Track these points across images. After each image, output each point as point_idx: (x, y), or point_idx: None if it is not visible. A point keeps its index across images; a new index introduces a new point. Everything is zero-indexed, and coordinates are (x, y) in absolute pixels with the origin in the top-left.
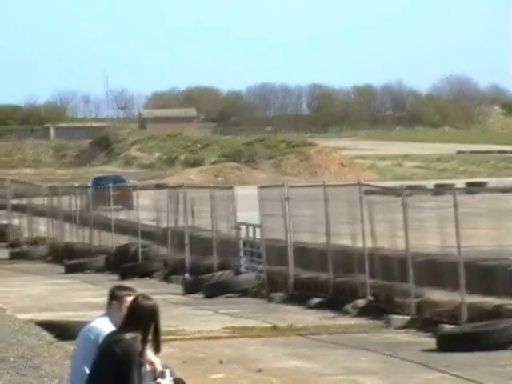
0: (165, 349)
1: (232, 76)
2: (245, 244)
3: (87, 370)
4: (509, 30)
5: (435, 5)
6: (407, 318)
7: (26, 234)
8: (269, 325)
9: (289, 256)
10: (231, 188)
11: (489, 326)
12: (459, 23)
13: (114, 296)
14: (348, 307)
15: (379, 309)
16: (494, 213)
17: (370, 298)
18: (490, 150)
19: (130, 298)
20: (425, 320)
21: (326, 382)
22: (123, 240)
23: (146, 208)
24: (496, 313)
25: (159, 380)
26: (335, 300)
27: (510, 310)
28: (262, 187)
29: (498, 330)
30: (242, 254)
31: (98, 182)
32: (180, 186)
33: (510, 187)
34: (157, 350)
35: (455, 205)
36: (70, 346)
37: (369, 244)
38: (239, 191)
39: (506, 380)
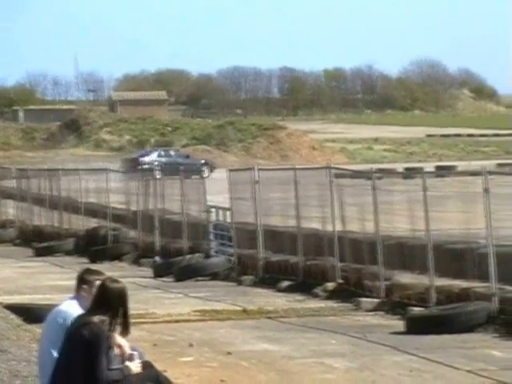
0: (134, 332)
1: (202, 59)
2: (215, 227)
3: (55, 353)
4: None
5: None
6: (377, 300)
7: None
8: (239, 308)
9: (259, 239)
10: (202, 170)
11: (457, 308)
12: (429, 6)
13: (83, 279)
14: (318, 290)
15: (349, 292)
16: (462, 196)
17: (340, 280)
18: (459, 133)
19: (97, 281)
20: (394, 303)
21: (295, 365)
22: (93, 223)
23: (116, 191)
24: (464, 295)
25: (127, 363)
26: (305, 283)
27: (479, 293)
28: (232, 170)
29: (467, 312)
30: (212, 237)
31: None
32: (150, 169)
33: (478, 170)
34: (125, 333)
35: (424, 188)
36: (38, 329)
37: (339, 227)
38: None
39: (475, 362)
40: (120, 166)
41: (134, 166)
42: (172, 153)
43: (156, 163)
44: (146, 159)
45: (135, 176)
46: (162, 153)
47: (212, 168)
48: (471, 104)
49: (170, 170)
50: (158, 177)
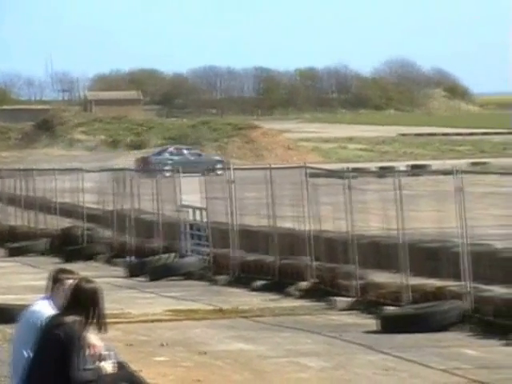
0: (109, 332)
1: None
2: (191, 227)
3: (28, 354)
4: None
5: None
6: (351, 299)
7: None
8: (213, 307)
9: (234, 239)
10: (175, 170)
11: (432, 307)
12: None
13: (57, 279)
14: (292, 289)
15: (323, 291)
16: (436, 195)
17: (315, 280)
18: (433, 132)
19: (71, 281)
20: (368, 302)
21: (270, 365)
22: (68, 223)
23: (91, 191)
24: (439, 294)
25: (102, 363)
26: (280, 282)
27: (453, 292)
28: (206, 169)
29: (441, 311)
30: (186, 236)
31: None
32: (124, 169)
33: (452, 169)
34: (101, 333)
35: (399, 187)
36: (9, 330)
37: (313, 226)
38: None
39: (449, 361)
40: (133, 165)
41: (146, 165)
42: (185, 151)
43: (169, 162)
44: (159, 158)
45: (149, 175)
46: (174, 151)
47: (227, 165)
48: (445, 103)
49: (183, 168)
50: (167, 174)
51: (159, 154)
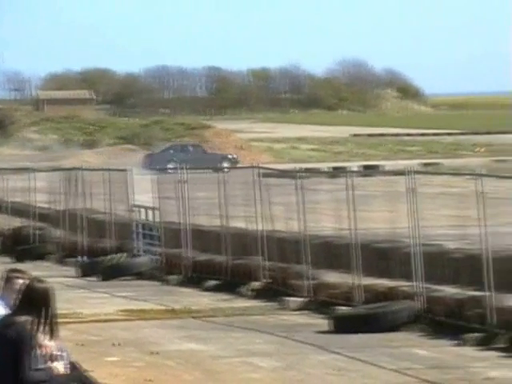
0: (60, 332)
1: (129, 59)
2: (143, 227)
3: None
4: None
5: None
6: (303, 300)
7: None
8: (165, 307)
9: (186, 239)
10: (127, 170)
11: (383, 307)
12: (355, 7)
13: (8, 279)
14: (244, 289)
15: (275, 291)
16: (388, 195)
17: (267, 280)
18: (385, 133)
19: (22, 281)
20: (320, 302)
21: (221, 365)
22: (19, 223)
23: (42, 190)
24: (390, 294)
25: (54, 363)
26: (232, 282)
27: (405, 292)
28: (159, 169)
29: (393, 311)
30: (137, 236)
31: None
32: (76, 168)
33: (403, 170)
34: (53, 333)
35: (351, 187)
36: None
37: (266, 226)
38: (137, 174)
39: (400, 361)
40: (140, 162)
41: (150, 163)
42: (190, 148)
43: (174, 159)
44: (163, 155)
45: (154, 173)
46: (180, 148)
47: (234, 163)
48: (397, 104)
49: (187, 165)
50: (170, 172)
51: (164, 151)
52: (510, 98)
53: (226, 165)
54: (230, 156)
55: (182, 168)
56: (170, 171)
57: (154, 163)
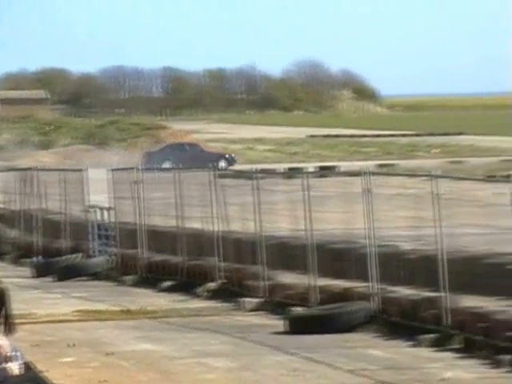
0: (15, 332)
1: (83, 58)
2: (98, 227)
3: None
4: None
5: None
6: (259, 300)
7: None
8: (120, 308)
9: (141, 239)
10: (82, 170)
11: (339, 308)
12: (311, 7)
13: None
14: (200, 290)
15: (231, 292)
16: (344, 196)
17: (223, 280)
18: (341, 134)
19: None
20: (276, 303)
21: (176, 365)
22: None
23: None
24: (346, 295)
25: (8, 364)
26: (187, 283)
27: (360, 293)
28: (114, 170)
29: (348, 312)
30: (93, 236)
31: None
32: (31, 168)
33: (359, 171)
34: (9, 333)
35: (306, 188)
36: None
37: (222, 227)
38: (92, 174)
39: (356, 362)
40: (138, 161)
41: (148, 162)
42: (186, 147)
43: (171, 158)
44: (161, 154)
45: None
46: (176, 147)
47: (231, 163)
48: (353, 105)
49: (184, 163)
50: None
51: (161, 150)
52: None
53: (223, 164)
54: (227, 155)
55: (177, 167)
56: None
57: (151, 162)
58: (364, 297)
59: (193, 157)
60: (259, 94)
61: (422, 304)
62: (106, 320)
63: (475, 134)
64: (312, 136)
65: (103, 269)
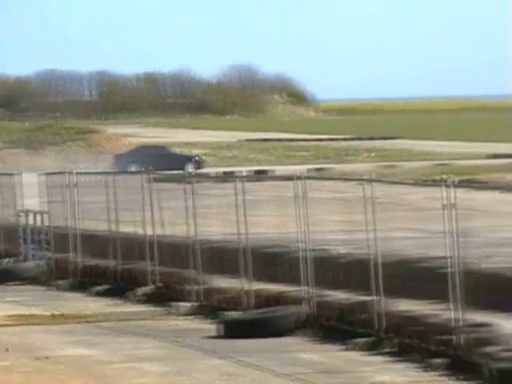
0: None
1: (18, 61)
2: (32, 231)
3: None
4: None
5: None
6: (193, 304)
7: None
8: (53, 312)
9: (74, 243)
10: (16, 174)
11: (273, 312)
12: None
13: None
14: (134, 294)
15: (166, 296)
16: (278, 200)
17: (157, 284)
18: (277, 138)
19: None
20: (211, 307)
21: (110, 370)
22: None
23: None
24: (280, 299)
25: None
26: (121, 287)
27: (295, 297)
28: (48, 174)
29: (282, 316)
30: (25, 241)
31: None
32: None
33: (294, 175)
34: None
35: (241, 192)
36: None
37: (156, 231)
38: (26, 178)
39: (290, 366)
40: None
41: (116, 164)
42: (155, 150)
43: (137, 161)
44: (129, 157)
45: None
46: (143, 150)
47: (199, 165)
48: (288, 109)
49: (151, 166)
50: (133, 169)
51: (129, 153)
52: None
53: (190, 166)
54: (197, 157)
55: (145, 171)
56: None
57: (119, 165)
58: (298, 301)
59: (161, 159)
60: (194, 98)
61: (355, 308)
62: (39, 324)
63: (410, 139)
64: (247, 140)
65: (36, 273)
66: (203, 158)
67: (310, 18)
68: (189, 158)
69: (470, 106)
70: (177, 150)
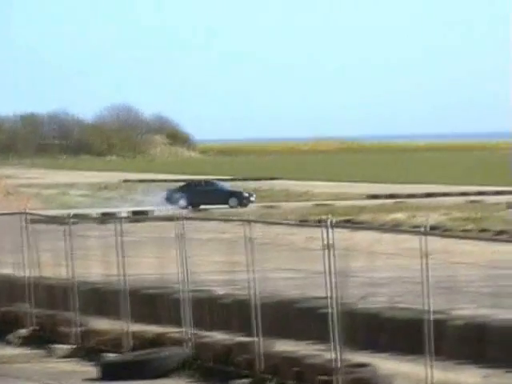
0: None
1: None
2: None
3: None
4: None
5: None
6: (71, 347)
7: None
8: None
9: None
10: None
11: (151, 354)
12: (125, 53)
13: None
14: (11, 337)
15: (44, 338)
16: (158, 241)
17: (34, 327)
18: (156, 178)
19: None
20: (89, 349)
21: None
22: None
23: None
24: (159, 341)
25: None
26: (1, 330)
27: (173, 338)
28: None
29: (160, 358)
30: None
31: None
32: None
33: (173, 216)
34: None
35: (119, 233)
36: None
37: (33, 273)
38: None
39: None
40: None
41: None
42: (203, 185)
43: (186, 195)
44: (178, 191)
45: None
46: (193, 185)
47: (244, 200)
48: (167, 149)
49: (199, 201)
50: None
51: (180, 188)
52: (273, 144)
53: (233, 201)
54: (246, 194)
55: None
56: None
57: (170, 200)
58: (178, 342)
59: (208, 194)
60: (72, 139)
61: (235, 349)
62: None
63: (288, 179)
64: (126, 181)
65: None
66: (252, 193)
67: (184, 62)
68: (232, 194)
69: (352, 147)
70: (226, 185)
